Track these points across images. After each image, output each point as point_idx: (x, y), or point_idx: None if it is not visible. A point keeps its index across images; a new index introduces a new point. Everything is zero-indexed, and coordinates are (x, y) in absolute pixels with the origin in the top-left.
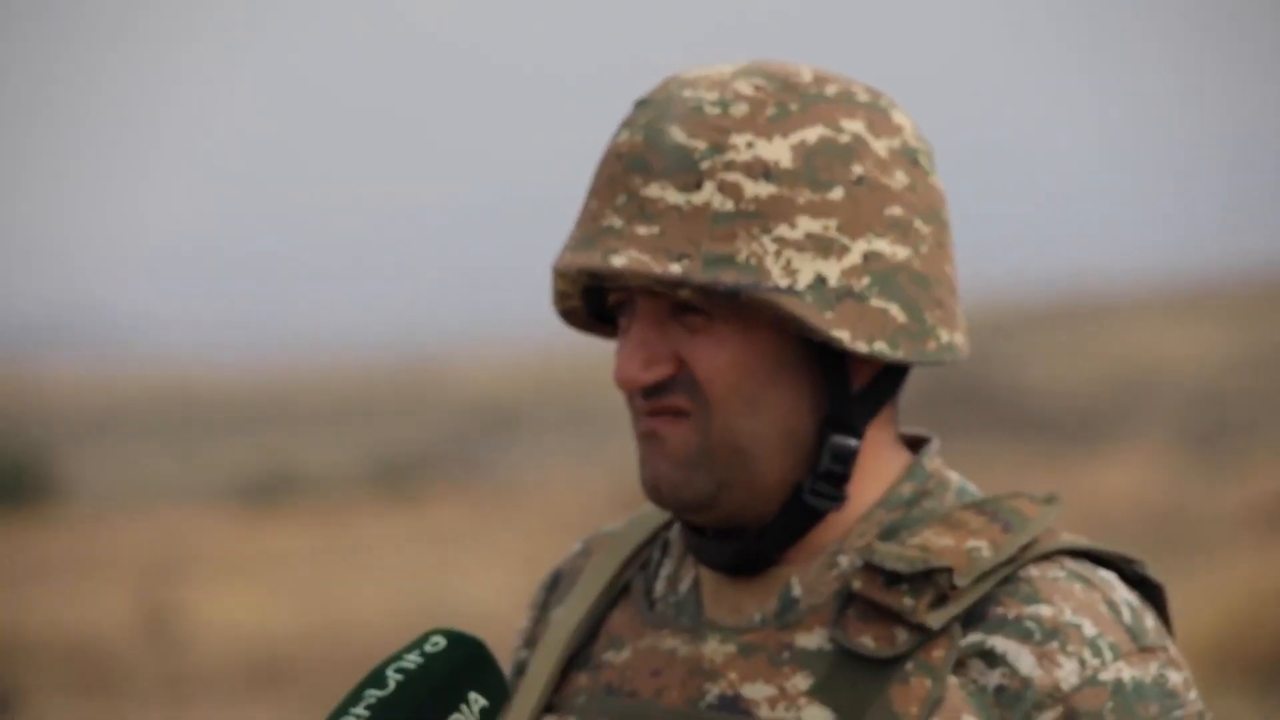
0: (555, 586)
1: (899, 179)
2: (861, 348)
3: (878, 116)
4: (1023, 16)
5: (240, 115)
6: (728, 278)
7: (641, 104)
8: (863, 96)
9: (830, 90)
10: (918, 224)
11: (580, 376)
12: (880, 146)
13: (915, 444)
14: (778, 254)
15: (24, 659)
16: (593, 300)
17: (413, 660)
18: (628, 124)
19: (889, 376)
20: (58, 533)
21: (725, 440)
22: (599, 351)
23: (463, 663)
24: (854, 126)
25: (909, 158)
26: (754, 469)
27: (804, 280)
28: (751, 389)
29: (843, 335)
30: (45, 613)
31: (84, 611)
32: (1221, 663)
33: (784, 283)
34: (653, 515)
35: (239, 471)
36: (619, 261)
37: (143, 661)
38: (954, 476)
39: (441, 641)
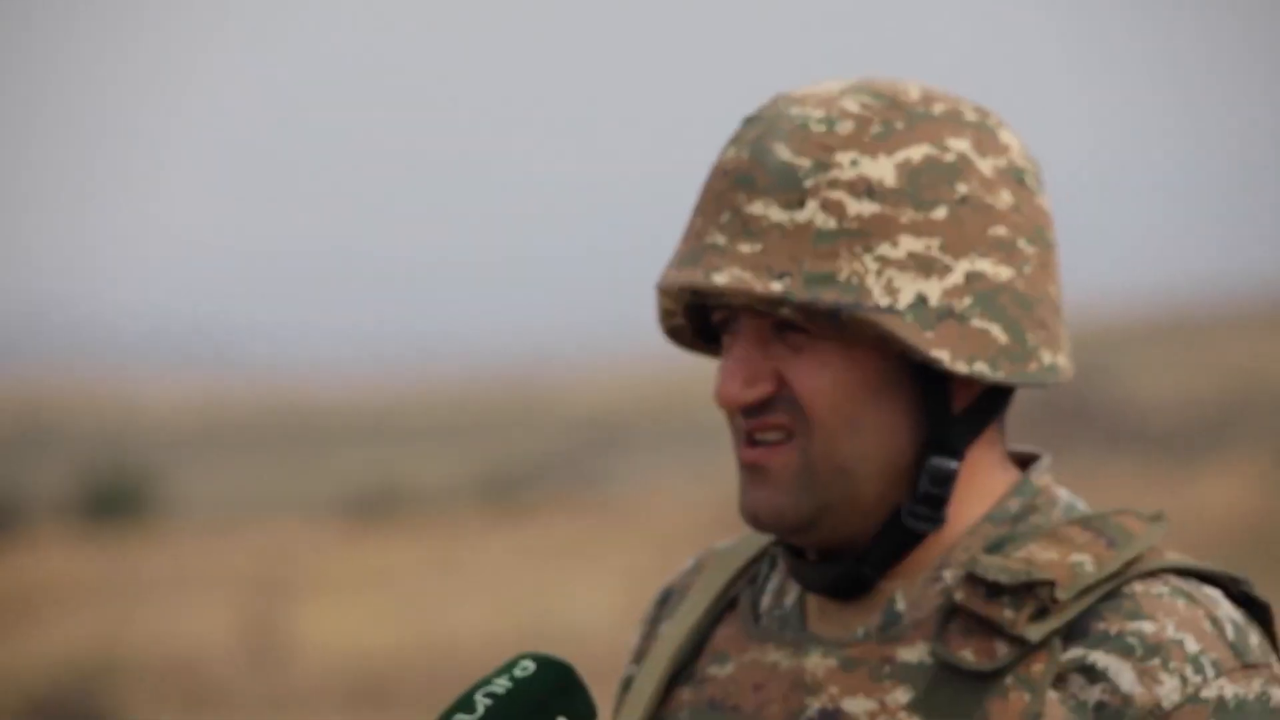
0: (666, 602)
1: (1004, 198)
2: (961, 368)
3: (985, 135)
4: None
5: (347, 136)
6: (828, 296)
7: (749, 121)
8: (970, 115)
9: (937, 109)
10: (1022, 244)
11: (688, 393)
12: (986, 166)
13: (1026, 461)
14: (879, 273)
15: (127, 677)
16: (697, 318)
17: (502, 685)
18: (735, 140)
19: (993, 396)
20: (162, 549)
21: (827, 460)
22: (707, 368)
23: (552, 687)
24: (960, 145)
25: (1015, 177)
26: (855, 490)
27: (905, 300)
28: (853, 409)
29: (943, 355)
30: (149, 629)
31: (187, 628)
32: None
33: (884, 302)
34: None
35: (346, 486)
36: (721, 279)
37: (245, 679)
38: (1062, 493)
39: (531, 666)
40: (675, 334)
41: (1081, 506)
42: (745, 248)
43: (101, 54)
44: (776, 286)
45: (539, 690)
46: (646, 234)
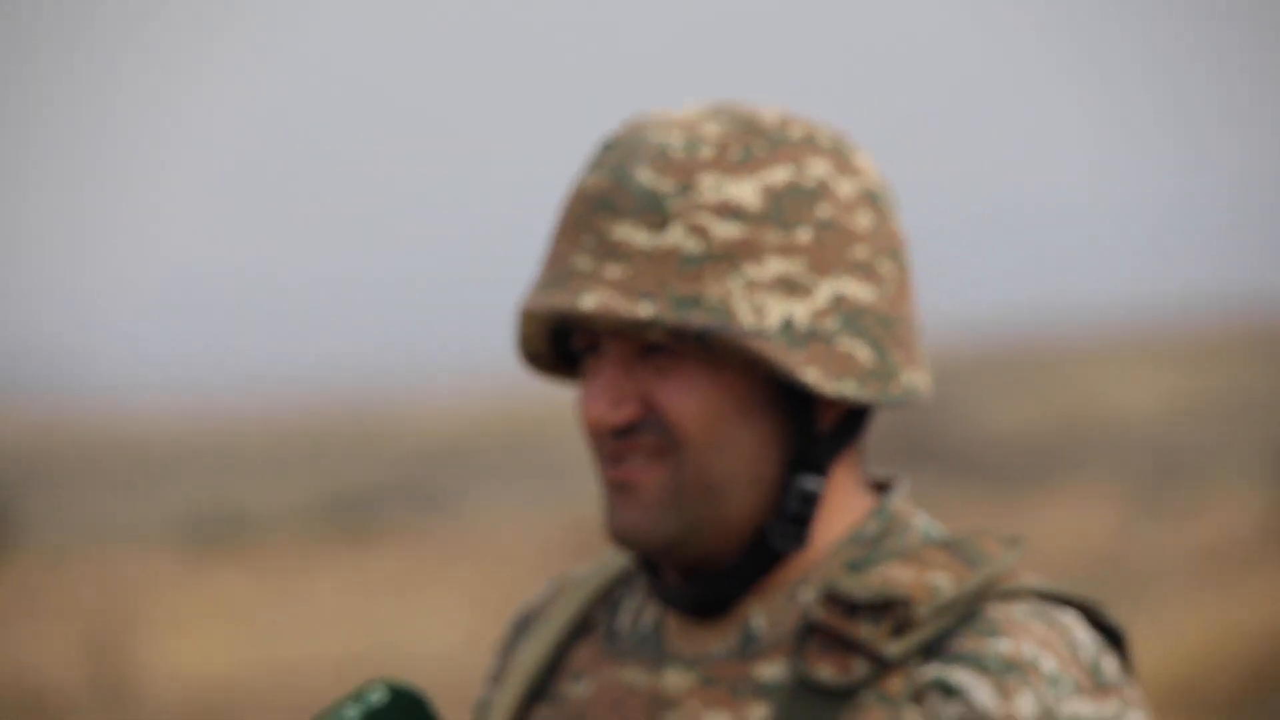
0: (524, 627)
1: (862, 220)
2: (829, 389)
3: (841, 159)
4: (1012, 39)
5: (182, 149)
6: (696, 319)
7: (607, 146)
8: (826, 139)
9: (795, 133)
10: (881, 264)
11: (533, 419)
12: (844, 188)
13: (883, 486)
14: (746, 295)
15: None
16: (556, 343)
17: (353, 713)
18: (595, 165)
19: (854, 418)
20: (3, 577)
21: (696, 480)
22: (553, 394)
23: (403, 715)
24: (819, 168)
25: (871, 199)
26: (722, 510)
27: (772, 321)
28: (721, 429)
29: (811, 376)
30: None
31: (31, 658)
32: (1168, 708)
33: (752, 324)
34: (619, 557)
35: (188, 514)
36: (589, 303)
37: (90, 709)
38: (920, 516)
39: (382, 692)
40: (534, 360)
41: (939, 530)
42: (611, 272)
43: None
44: (645, 310)
45: (390, 718)
46: (496, 258)
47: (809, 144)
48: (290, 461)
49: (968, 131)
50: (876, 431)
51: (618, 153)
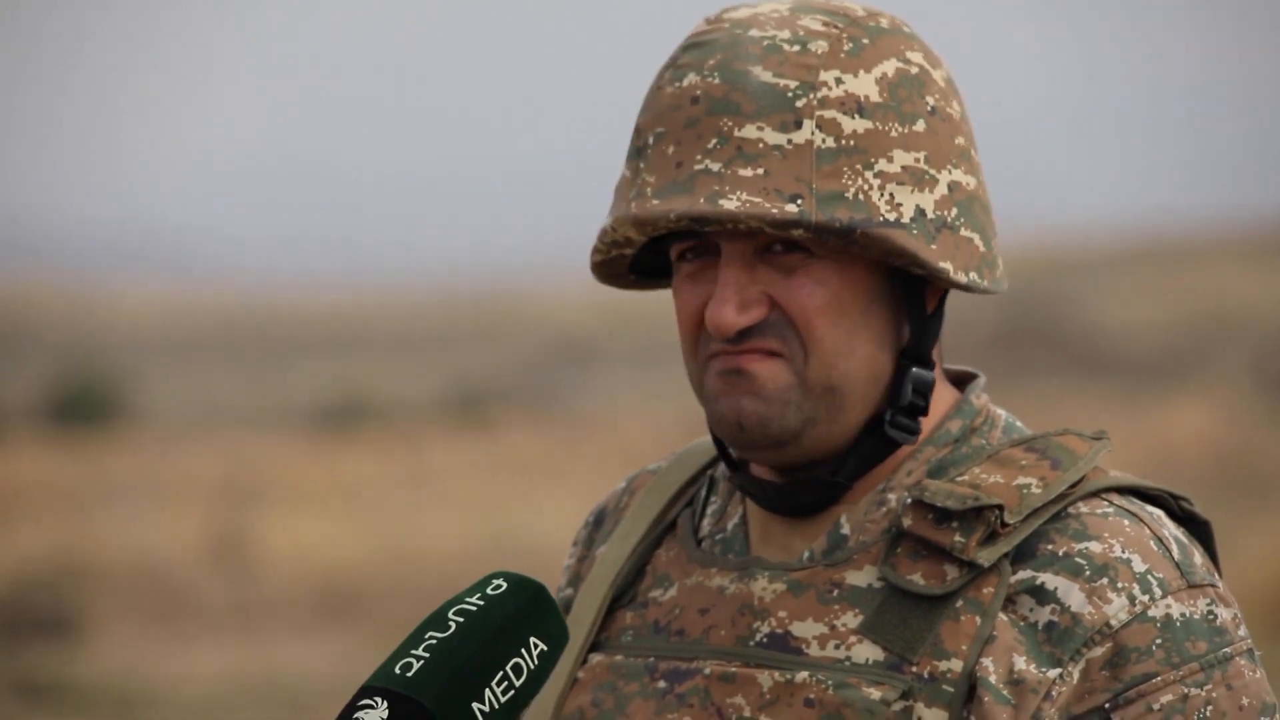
0: (600, 524)
1: (956, 108)
2: (962, 279)
3: (927, 47)
4: None
5: (308, 30)
6: (842, 215)
7: (694, 47)
8: (905, 27)
9: (884, 22)
10: (973, 152)
11: (653, 310)
12: (939, 76)
13: (961, 380)
14: (881, 188)
15: (92, 583)
16: (645, 250)
17: (474, 603)
18: (689, 66)
19: (940, 309)
20: (128, 456)
21: (820, 379)
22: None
23: (524, 607)
24: (917, 58)
25: (955, 88)
26: (842, 406)
27: (908, 213)
28: (848, 326)
29: (947, 266)
30: (114, 537)
31: (153, 536)
32: None
33: (891, 217)
34: (696, 453)
35: (312, 397)
36: (731, 205)
37: (212, 588)
38: (1001, 413)
39: (503, 584)
40: (608, 266)
41: (1021, 427)
42: (746, 172)
43: None
44: (791, 209)
45: (511, 609)
46: (617, 149)
47: (899, 33)
48: (416, 348)
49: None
50: (999, 329)
51: (715, 52)
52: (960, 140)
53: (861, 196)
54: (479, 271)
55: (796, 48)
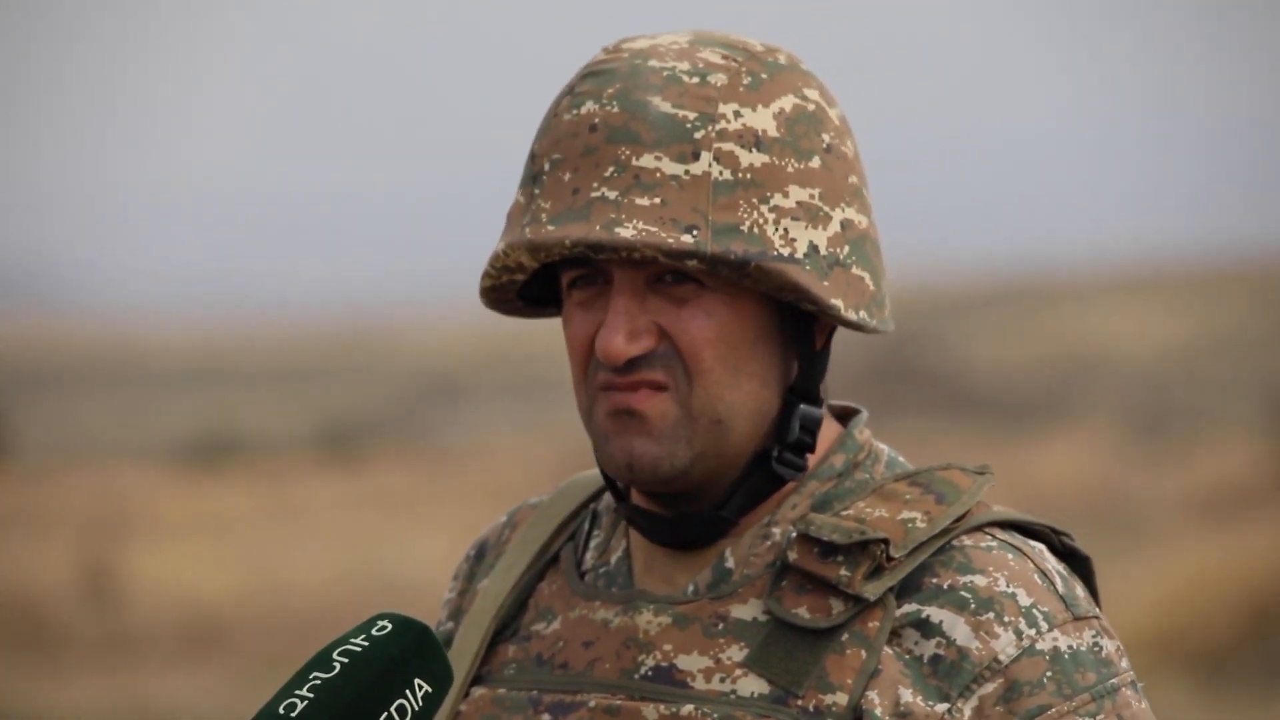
0: (481, 558)
1: (850, 146)
2: (853, 316)
3: (823, 85)
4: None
5: (183, 55)
6: (736, 247)
7: (592, 75)
8: (802, 65)
9: (782, 59)
10: (865, 192)
11: (524, 344)
12: (834, 114)
13: (844, 416)
14: (776, 223)
15: None
16: (535, 278)
17: (358, 644)
18: (587, 94)
19: (827, 347)
20: None
21: (706, 412)
22: (544, 319)
23: (409, 648)
24: (814, 95)
25: (848, 125)
26: (728, 440)
27: (801, 249)
28: (735, 359)
29: (838, 303)
30: None
31: (23, 568)
32: (1162, 650)
33: (785, 251)
34: (579, 486)
35: (182, 431)
36: (627, 233)
37: (81, 620)
38: (884, 448)
39: (388, 626)
40: (496, 292)
41: (903, 462)
42: (643, 201)
43: None
44: (687, 239)
45: (396, 650)
46: (489, 182)
47: (796, 70)
48: (284, 381)
49: (941, 80)
50: (872, 367)
51: (614, 81)
52: (853, 179)
53: (756, 230)
54: (348, 304)
55: (696, 79)
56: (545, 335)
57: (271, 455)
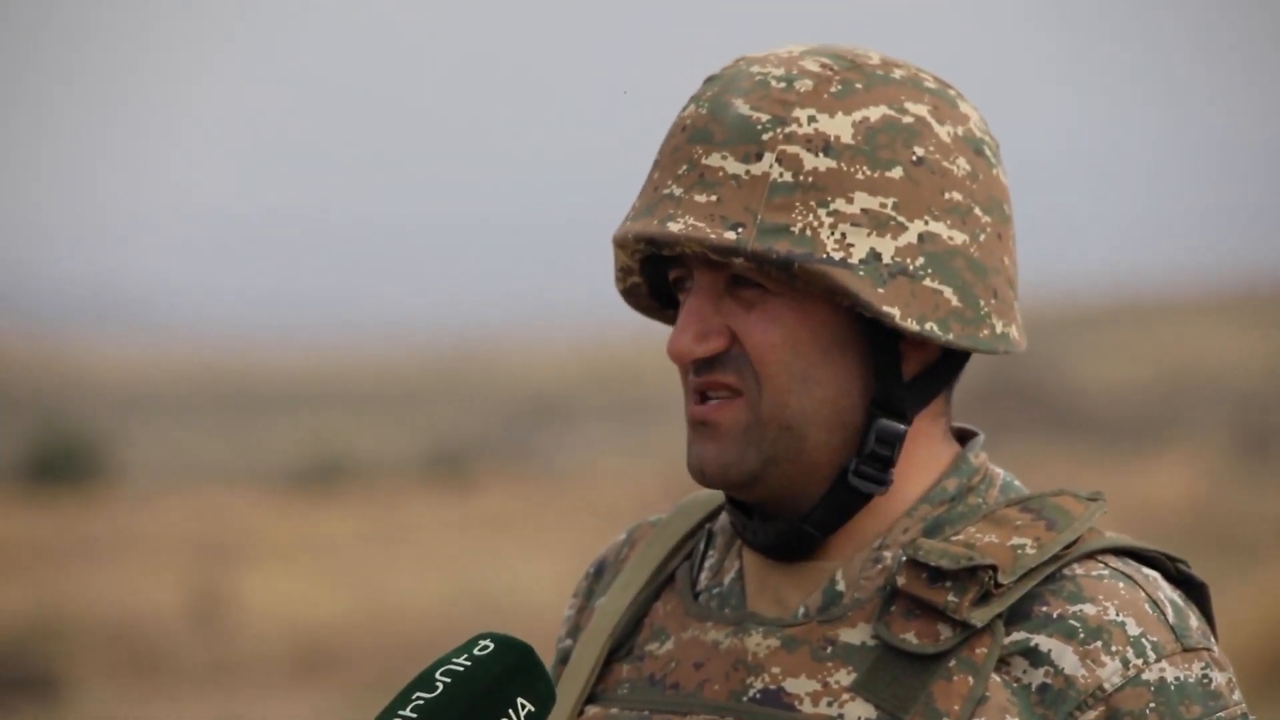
0: (600, 575)
1: (961, 165)
2: (912, 326)
3: (944, 103)
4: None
5: (286, 86)
6: (781, 247)
7: (710, 80)
8: (930, 83)
9: (897, 74)
10: (977, 211)
11: (632, 366)
12: (944, 132)
13: (963, 437)
14: (833, 227)
15: (70, 641)
16: (653, 278)
17: (461, 664)
18: (695, 98)
19: (943, 366)
20: (106, 513)
21: (774, 417)
22: (650, 340)
23: (511, 668)
24: (918, 109)
25: (973, 146)
26: (801, 447)
27: (858, 254)
28: (803, 366)
29: (894, 311)
30: (92, 594)
31: (131, 594)
32: (1269, 669)
33: (837, 255)
34: (697, 506)
35: (290, 455)
36: (675, 228)
37: (189, 645)
38: (999, 472)
39: (490, 645)
40: (631, 295)
41: (1018, 486)
42: (700, 198)
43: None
44: (730, 236)
45: (498, 670)
46: (596, 205)
47: (912, 85)
48: (393, 405)
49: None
50: (978, 383)
51: (716, 86)
52: (954, 195)
53: (809, 232)
54: (456, 328)
55: (782, 85)
56: (649, 358)
57: (379, 478)
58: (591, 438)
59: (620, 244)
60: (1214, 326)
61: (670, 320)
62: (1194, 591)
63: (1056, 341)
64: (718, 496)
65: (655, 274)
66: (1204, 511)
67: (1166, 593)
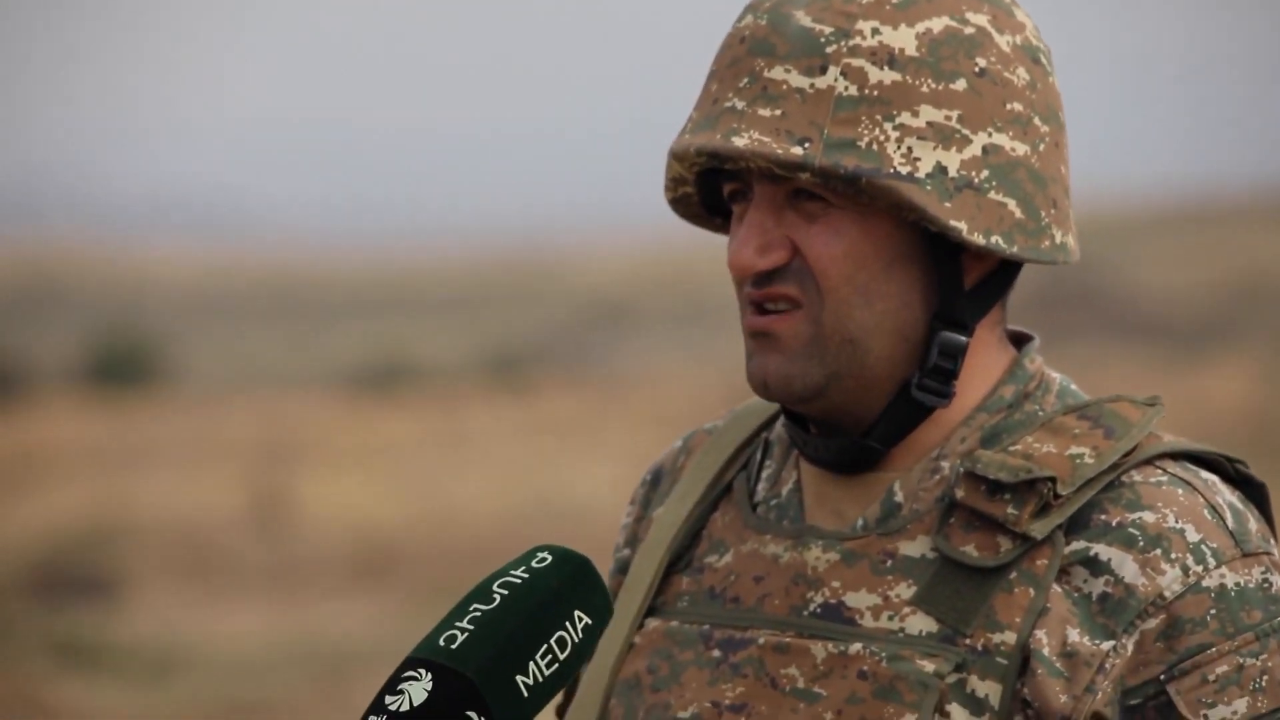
0: (656, 484)
1: (1020, 75)
2: (978, 240)
3: (1001, 12)
4: None
5: None
6: (848, 162)
7: None
8: None
9: None
10: (1037, 121)
11: (693, 271)
12: (1004, 41)
13: (1018, 341)
14: (899, 141)
15: (129, 544)
16: (706, 189)
17: (518, 576)
18: (752, 8)
19: (1001, 275)
20: (165, 417)
21: (837, 330)
22: (712, 246)
23: (568, 580)
24: (979, 19)
25: (1030, 55)
26: (863, 360)
27: (924, 169)
28: (865, 279)
29: (960, 226)
30: (152, 497)
31: (191, 497)
32: None
33: (904, 170)
34: (753, 413)
35: (352, 359)
36: (740, 142)
37: (249, 549)
38: (1056, 377)
39: (548, 557)
40: (681, 204)
41: (1075, 391)
42: (765, 111)
43: None
44: (797, 151)
45: (555, 582)
46: (656, 111)
47: None
48: (454, 310)
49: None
50: (1038, 288)
51: None
52: (1015, 106)
53: (876, 147)
54: (516, 232)
55: None
56: (712, 261)
57: (441, 383)
58: (652, 343)
59: (680, 157)
60: (1276, 233)
61: (718, 229)
62: (1253, 492)
63: (1118, 246)
64: (773, 404)
65: (707, 185)
66: (1263, 416)
67: (1225, 496)
